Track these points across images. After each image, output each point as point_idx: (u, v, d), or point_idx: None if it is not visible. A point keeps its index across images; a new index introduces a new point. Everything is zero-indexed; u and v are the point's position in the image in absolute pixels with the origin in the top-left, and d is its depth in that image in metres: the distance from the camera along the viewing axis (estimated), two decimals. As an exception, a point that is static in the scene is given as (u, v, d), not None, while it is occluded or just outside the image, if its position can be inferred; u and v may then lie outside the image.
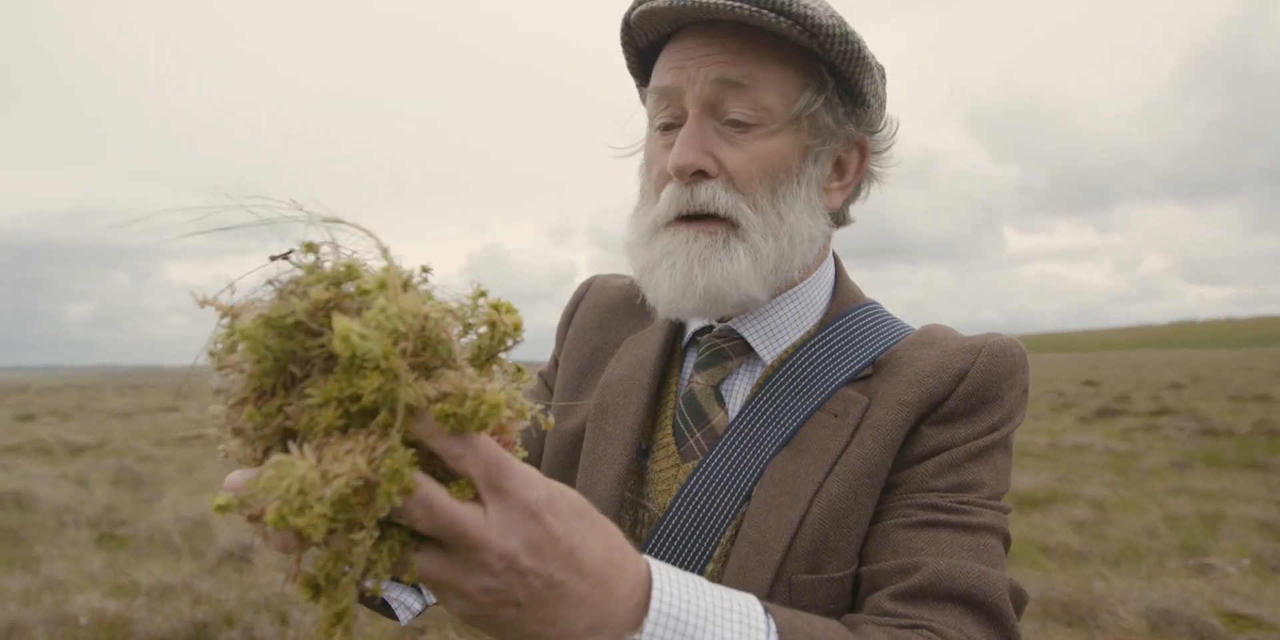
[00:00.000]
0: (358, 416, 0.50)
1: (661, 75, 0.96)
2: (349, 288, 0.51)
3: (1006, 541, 0.89)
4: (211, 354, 0.52)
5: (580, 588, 0.58)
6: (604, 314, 1.18)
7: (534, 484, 0.56)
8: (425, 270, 0.55)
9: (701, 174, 0.93)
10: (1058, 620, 4.50)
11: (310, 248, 0.53)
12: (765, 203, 0.94)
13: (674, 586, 0.63)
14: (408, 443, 0.52)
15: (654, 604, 0.61)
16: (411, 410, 0.50)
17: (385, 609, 0.99)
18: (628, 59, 1.03)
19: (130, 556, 5.82)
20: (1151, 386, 24.25)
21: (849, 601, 0.89)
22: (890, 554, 0.86)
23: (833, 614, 0.87)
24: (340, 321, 0.47)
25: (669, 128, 0.97)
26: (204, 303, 0.52)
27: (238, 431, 0.52)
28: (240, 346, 0.50)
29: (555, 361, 1.21)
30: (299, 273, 0.52)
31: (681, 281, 0.93)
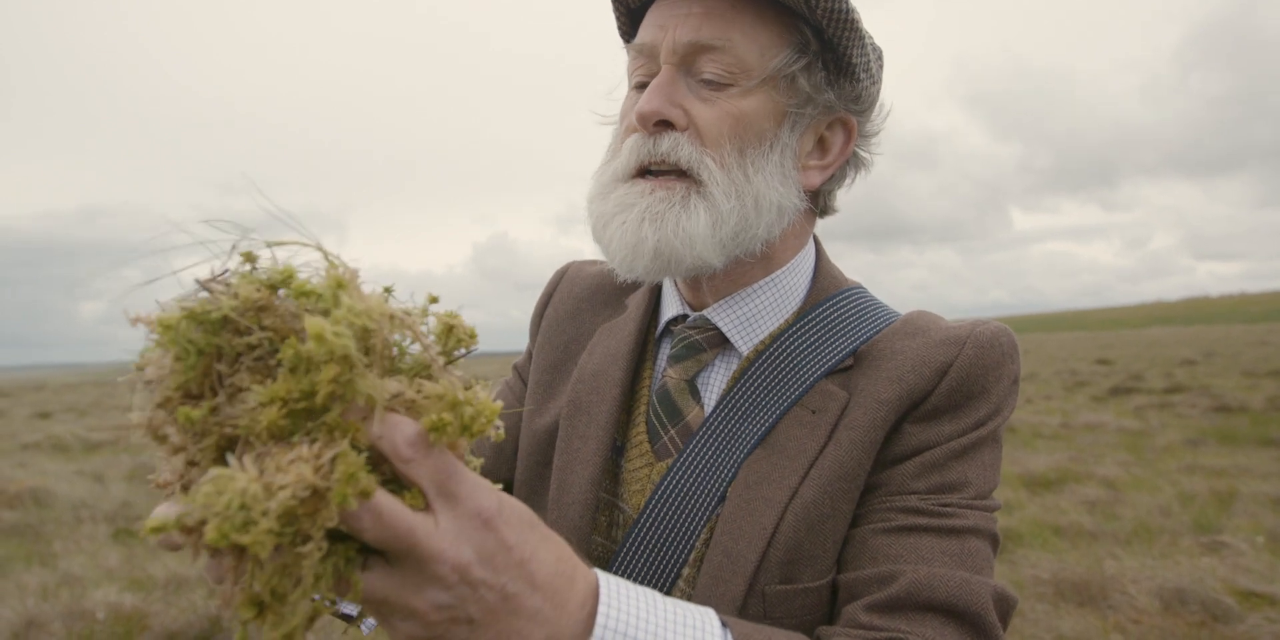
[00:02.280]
0: (303, 416, 0.48)
1: (642, 32, 0.94)
2: (283, 292, 0.50)
3: (994, 542, 0.85)
4: (137, 367, 0.50)
5: (533, 600, 0.56)
6: (577, 303, 1.14)
7: (485, 491, 0.54)
8: (388, 290, 0.54)
9: (667, 125, 0.90)
10: (1070, 600, 4.49)
11: (248, 257, 0.51)
12: (732, 161, 0.89)
13: (622, 600, 0.62)
14: (355, 448, 0.50)
15: (600, 618, 0.59)
16: (370, 405, 0.49)
17: (348, 616, 0.95)
18: (618, 19, 1.00)
19: (146, 551, 5.87)
20: (1165, 364, 24.08)
21: (827, 610, 0.85)
22: (868, 561, 0.83)
23: (810, 624, 0.84)
24: (313, 321, 0.45)
25: (644, 86, 0.94)
26: (135, 321, 0.49)
27: (161, 438, 0.50)
28: (162, 342, 0.48)
29: (530, 354, 1.17)
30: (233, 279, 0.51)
31: (632, 238, 0.89)
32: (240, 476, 0.45)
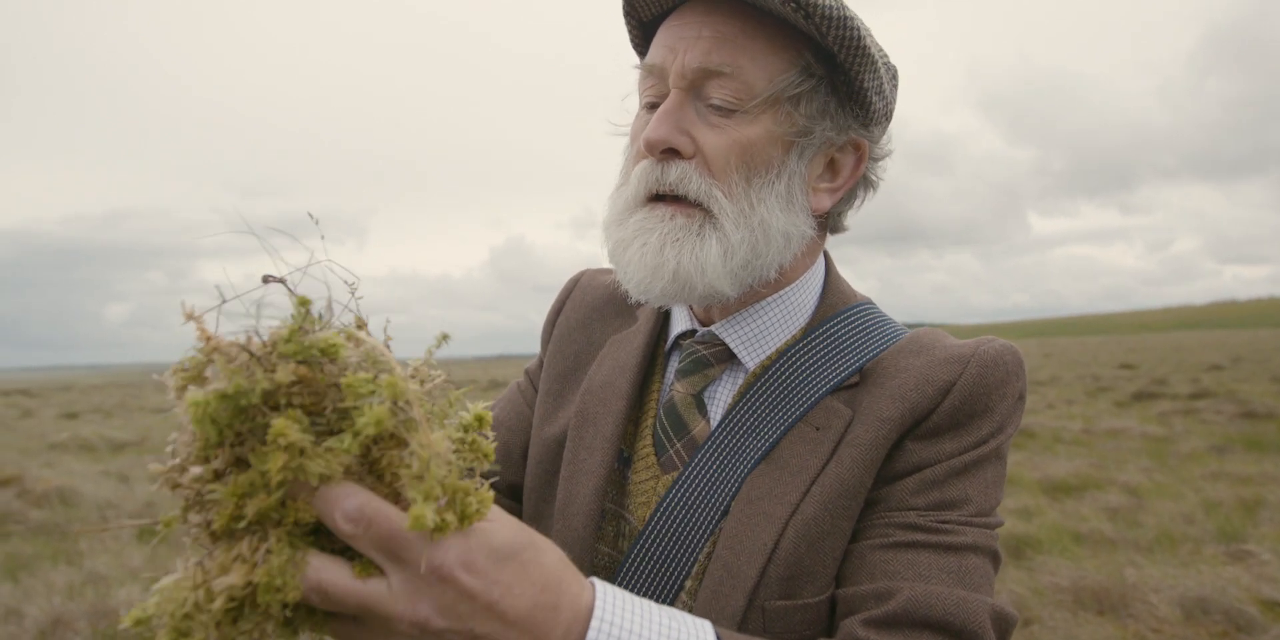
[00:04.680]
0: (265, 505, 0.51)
1: (652, 53, 0.94)
2: (328, 364, 0.52)
3: (995, 560, 0.85)
4: (176, 371, 0.52)
5: (508, 635, 0.57)
6: (589, 313, 1.14)
7: (442, 545, 0.54)
8: (435, 344, 0.58)
9: (674, 153, 0.90)
10: (1089, 609, 4.44)
11: (303, 303, 0.53)
12: (739, 191, 0.89)
13: (615, 615, 0.63)
14: (300, 526, 0.52)
15: (590, 634, 0.61)
16: (315, 484, 0.51)
17: None
18: (629, 31, 1.00)
19: (170, 551, 5.94)
20: (1190, 369, 23.73)
21: (826, 626, 0.86)
22: (866, 577, 0.83)
23: (809, 639, 0.84)
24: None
25: (654, 106, 0.94)
26: (189, 317, 0.52)
27: (177, 487, 0.53)
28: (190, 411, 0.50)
29: (541, 361, 1.18)
30: (283, 326, 0.52)
31: (653, 260, 0.90)
32: (184, 584, 0.50)
